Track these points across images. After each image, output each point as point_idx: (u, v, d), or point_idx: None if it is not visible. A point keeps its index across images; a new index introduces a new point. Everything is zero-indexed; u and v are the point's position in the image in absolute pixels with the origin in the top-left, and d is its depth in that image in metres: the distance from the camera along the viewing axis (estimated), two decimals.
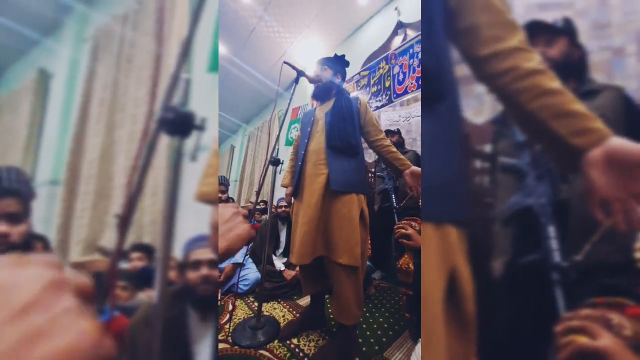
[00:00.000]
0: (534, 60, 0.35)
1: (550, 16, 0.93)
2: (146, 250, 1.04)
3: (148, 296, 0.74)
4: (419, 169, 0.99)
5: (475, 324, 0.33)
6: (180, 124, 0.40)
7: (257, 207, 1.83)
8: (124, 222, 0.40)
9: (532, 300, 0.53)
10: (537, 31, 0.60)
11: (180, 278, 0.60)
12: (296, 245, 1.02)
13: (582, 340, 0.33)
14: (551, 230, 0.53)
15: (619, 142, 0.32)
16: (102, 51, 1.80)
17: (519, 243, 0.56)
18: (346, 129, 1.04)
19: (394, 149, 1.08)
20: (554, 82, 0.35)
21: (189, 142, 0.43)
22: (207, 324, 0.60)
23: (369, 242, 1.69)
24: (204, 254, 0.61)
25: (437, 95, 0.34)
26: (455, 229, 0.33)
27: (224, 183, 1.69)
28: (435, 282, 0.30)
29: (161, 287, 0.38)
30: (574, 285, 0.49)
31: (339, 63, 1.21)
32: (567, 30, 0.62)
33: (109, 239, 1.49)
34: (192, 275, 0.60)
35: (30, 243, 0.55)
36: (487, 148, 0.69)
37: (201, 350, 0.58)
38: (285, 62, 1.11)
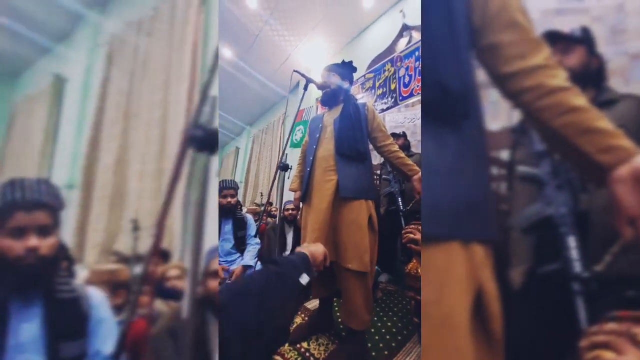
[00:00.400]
0: (558, 77, 0.35)
1: (566, 21, 0.92)
2: (162, 255, 1.06)
3: (169, 306, 0.75)
4: None
5: (502, 341, 0.33)
6: (208, 141, 0.41)
7: (264, 208, 1.84)
8: (159, 230, 0.42)
9: (553, 310, 0.53)
10: (555, 41, 0.60)
11: (203, 287, 0.61)
12: None
13: (608, 356, 0.32)
14: (571, 240, 0.52)
15: None
16: (117, 56, 1.83)
17: (538, 252, 0.56)
18: (355, 136, 1.05)
19: (402, 154, 1.09)
20: (579, 99, 0.35)
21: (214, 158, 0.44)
22: None
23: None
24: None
25: (449, 109, 0.34)
26: (481, 246, 0.34)
27: (233, 187, 1.70)
28: (461, 302, 0.31)
29: (191, 301, 0.40)
30: (595, 297, 0.49)
31: (346, 69, 1.22)
32: (584, 39, 0.61)
33: (124, 243, 1.53)
34: (213, 284, 0.61)
35: (59, 255, 0.55)
36: (503, 154, 0.69)
37: None
38: (295, 71, 1.13)
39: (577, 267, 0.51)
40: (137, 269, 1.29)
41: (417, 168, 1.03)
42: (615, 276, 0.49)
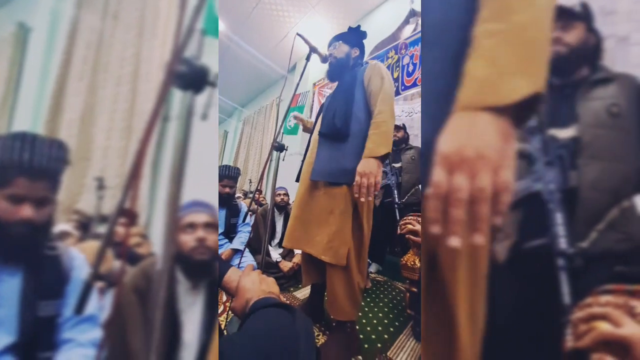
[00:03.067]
0: None
1: None
2: (129, 215, 1.01)
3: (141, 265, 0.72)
4: (368, 166, 0.79)
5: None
6: (194, 78, 0.37)
7: (254, 196, 1.74)
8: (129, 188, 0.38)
9: (537, 286, 0.54)
10: (555, 15, 0.58)
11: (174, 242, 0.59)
12: (287, 228, 1.03)
13: (605, 327, 0.32)
14: (558, 217, 0.53)
15: None
16: (87, 6, 1.66)
17: (524, 228, 0.57)
18: (338, 110, 0.89)
19: (380, 128, 0.83)
20: None
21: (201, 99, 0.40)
22: (197, 292, 0.59)
23: None
24: (201, 217, 0.59)
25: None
26: None
27: (234, 177, 1.55)
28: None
29: (166, 257, 0.37)
30: (580, 273, 0.50)
31: (354, 35, 1.07)
32: (584, 15, 0.60)
33: (87, 202, 1.44)
34: (186, 238, 0.58)
35: (51, 222, 0.52)
36: None
37: (190, 319, 0.57)
38: (298, 34, 1.01)
39: (563, 243, 0.52)
40: (101, 229, 1.22)
41: (369, 152, 0.82)
42: (601, 253, 0.50)
